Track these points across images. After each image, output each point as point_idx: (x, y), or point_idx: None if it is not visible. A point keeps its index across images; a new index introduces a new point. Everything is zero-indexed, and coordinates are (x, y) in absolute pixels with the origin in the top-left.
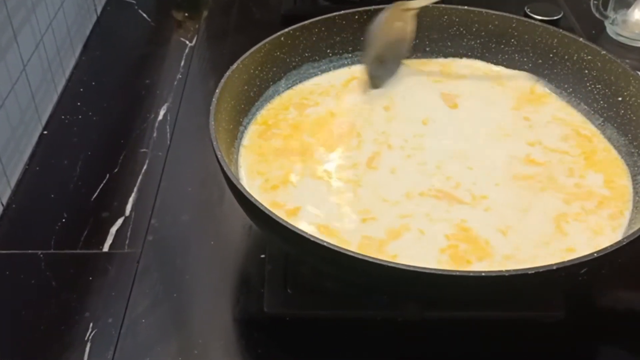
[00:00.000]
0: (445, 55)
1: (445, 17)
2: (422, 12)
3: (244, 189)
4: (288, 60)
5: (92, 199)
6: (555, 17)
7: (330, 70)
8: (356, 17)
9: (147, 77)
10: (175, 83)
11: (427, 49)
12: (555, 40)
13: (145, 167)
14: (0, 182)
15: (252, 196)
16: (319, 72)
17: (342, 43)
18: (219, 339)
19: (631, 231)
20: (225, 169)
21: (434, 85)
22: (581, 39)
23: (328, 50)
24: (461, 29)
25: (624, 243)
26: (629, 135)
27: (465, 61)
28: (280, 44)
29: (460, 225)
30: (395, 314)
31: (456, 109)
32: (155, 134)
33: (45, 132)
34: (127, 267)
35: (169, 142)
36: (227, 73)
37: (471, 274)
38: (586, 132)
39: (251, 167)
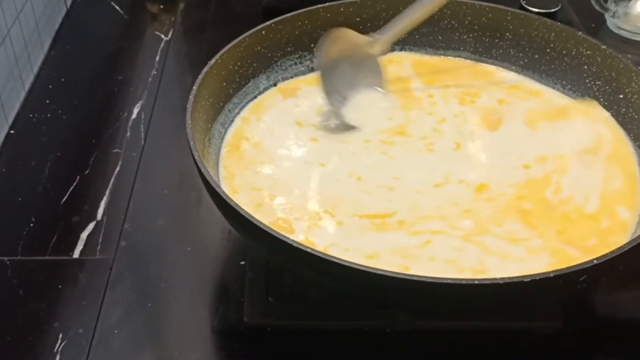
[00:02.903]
0: (436, 49)
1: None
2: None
3: (223, 192)
4: (269, 55)
5: (62, 203)
6: (552, 10)
7: (314, 64)
8: (341, 9)
9: (120, 73)
10: (150, 79)
11: (417, 43)
12: (553, 34)
13: (118, 168)
14: None
15: (231, 199)
16: (302, 68)
17: None
18: (196, 350)
19: (632, 237)
20: (202, 170)
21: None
22: (580, 33)
23: (312, 45)
24: (453, 22)
25: (625, 249)
26: (631, 135)
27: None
28: (261, 38)
29: None
30: (383, 323)
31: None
32: (128, 134)
33: (11, 132)
34: (99, 274)
35: (143, 142)
36: (205, 69)
37: (464, 282)
38: None
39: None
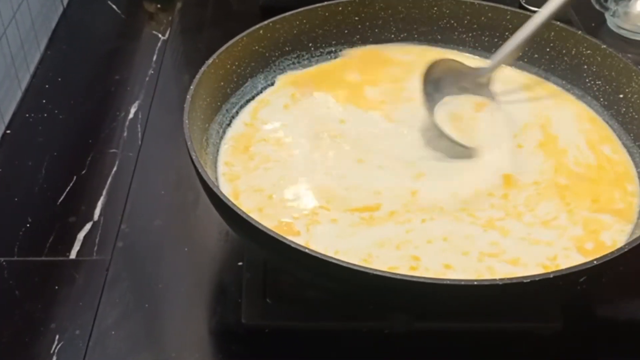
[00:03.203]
0: (435, 48)
1: (435, 8)
2: (411, 4)
3: (221, 192)
4: (267, 54)
5: (58, 203)
6: None
7: (312, 65)
8: (340, 8)
9: (117, 73)
10: (147, 79)
11: (416, 42)
12: (553, 33)
13: (114, 168)
14: None
15: (229, 200)
16: (300, 67)
17: (325, 36)
18: (193, 352)
19: (633, 237)
20: (200, 170)
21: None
22: (580, 32)
23: (310, 44)
24: (452, 22)
25: (625, 250)
26: (632, 135)
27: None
28: (259, 38)
29: None
30: (382, 325)
31: None
32: (125, 134)
33: (8, 132)
34: (96, 275)
35: (140, 142)
36: (203, 68)
37: (463, 283)
38: None
39: None
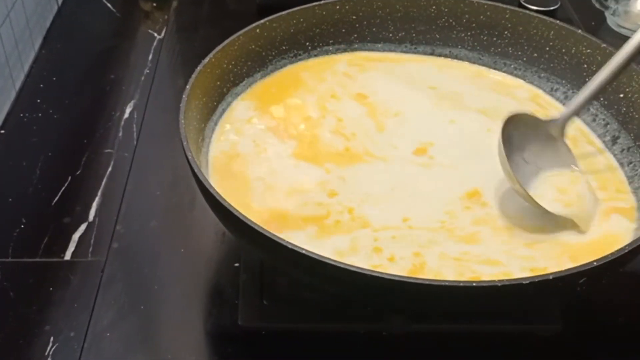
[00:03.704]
0: (434, 48)
1: (434, 7)
2: (409, 3)
3: (217, 192)
4: (264, 53)
5: (53, 204)
6: (551, 8)
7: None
8: (337, 7)
9: (112, 72)
10: (143, 78)
11: (414, 41)
12: (552, 32)
13: (110, 169)
14: None
15: (225, 201)
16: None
17: (322, 35)
18: (189, 354)
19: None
20: (196, 171)
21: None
22: (580, 31)
23: (307, 43)
24: (450, 20)
25: (625, 251)
26: (632, 135)
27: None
28: (256, 37)
29: None
30: (379, 326)
31: None
32: (120, 134)
33: (2, 132)
34: (91, 276)
35: (135, 142)
36: (199, 68)
37: (461, 284)
38: None
39: None
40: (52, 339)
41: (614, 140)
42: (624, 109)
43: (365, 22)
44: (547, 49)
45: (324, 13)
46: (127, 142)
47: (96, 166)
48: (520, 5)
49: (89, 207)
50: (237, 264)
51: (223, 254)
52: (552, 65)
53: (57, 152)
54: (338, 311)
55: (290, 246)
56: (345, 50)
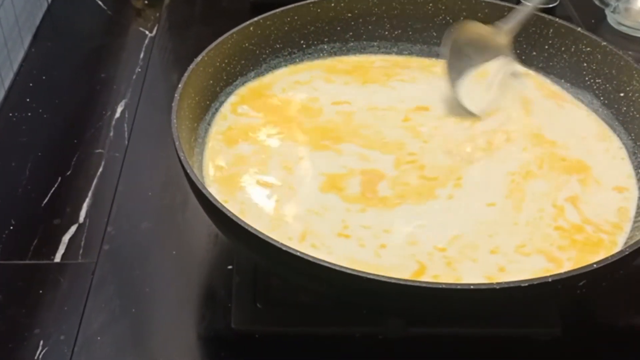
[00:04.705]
0: (431, 46)
1: (431, 4)
2: (406, 0)
3: (210, 194)
4: (258, 52)
5: (43, 205)
6: (551, 5)
7: (303, 62)
8: (332, 4)
9: (103, 71)
10: (134, 77)
11: (411, 39)
12: (551, 30)
13: (100, 169)
14: None
15: (218, 202)
16: (292, 65)
17: (317, 33)
18: (182, 358)
19: (633, 240)
20: (188, 171)
21: None
22: (579, 29)
23: (302, 41)
24: (448, 18)
25: (626, 253)
26: (632, 134)
27: None
28: (249, 35)
29: None
30: (376, 330)
31: None
32: (111, 133)
33: None
34: (81, 279)
35: (126, 142)
36: (191, 66)
37: (459, 287)
38: None
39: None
40: (41, 342)
41: None
42: (624, 108)
43: (360, 20)
44: (546, 47)
45: (319, 10)
46: (118, 142)
47: (87, 166)
48: (519, 3)
49: (80, 208)
50: (230, 267)
51: (216, 256)
52: (551, 63)
53: (47, 152)
54: (333, 314)
55: (284, 248)
56: (340, 49)
